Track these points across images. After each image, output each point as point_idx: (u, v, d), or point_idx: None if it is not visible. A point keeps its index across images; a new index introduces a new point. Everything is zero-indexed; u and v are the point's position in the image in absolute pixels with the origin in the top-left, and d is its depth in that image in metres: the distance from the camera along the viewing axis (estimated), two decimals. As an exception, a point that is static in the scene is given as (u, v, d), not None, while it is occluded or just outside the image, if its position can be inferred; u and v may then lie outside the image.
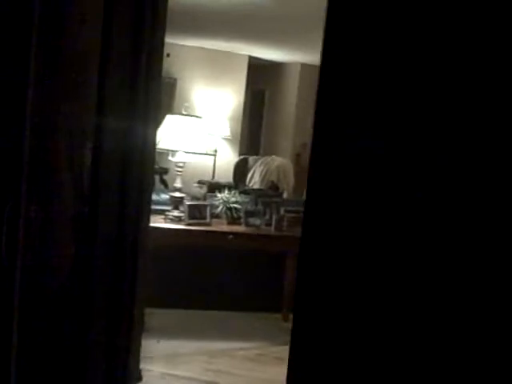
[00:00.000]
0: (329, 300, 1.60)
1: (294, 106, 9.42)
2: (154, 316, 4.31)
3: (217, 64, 8.89)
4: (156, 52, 2.98)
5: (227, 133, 9.02)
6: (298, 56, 8.84)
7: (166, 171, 7.42)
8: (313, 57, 8.59)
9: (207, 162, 8.36)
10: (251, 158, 8.78)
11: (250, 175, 8.41)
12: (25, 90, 2.01)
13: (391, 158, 1.57)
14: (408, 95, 1.57)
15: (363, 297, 1.60)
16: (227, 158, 9.06)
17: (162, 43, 3.25)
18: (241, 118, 9.33)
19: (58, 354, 2.17)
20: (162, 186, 7.51)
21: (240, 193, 5.58)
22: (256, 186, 7.83)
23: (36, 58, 2.02)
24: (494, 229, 1.52)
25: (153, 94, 2.77)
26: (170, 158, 4.57)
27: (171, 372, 3.69)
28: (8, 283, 2.09)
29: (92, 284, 2.25)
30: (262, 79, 10.19)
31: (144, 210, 2.66)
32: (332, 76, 1.64)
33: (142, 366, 3.58)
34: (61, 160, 2.34)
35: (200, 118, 4.69)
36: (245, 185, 8.08)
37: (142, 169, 2.48)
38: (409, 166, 1.57)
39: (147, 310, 4.18)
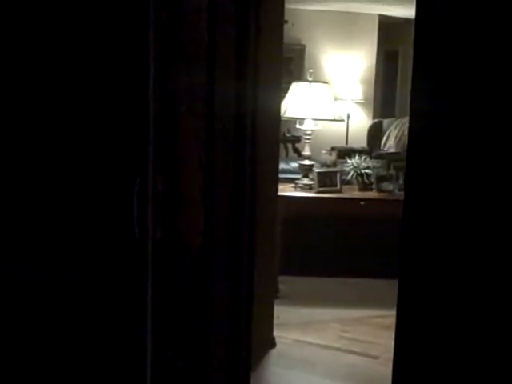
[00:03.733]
0: (433, 265, 1.51)
1: (429, 64, 8.97)
2: (288, 284, 4.35)
3: (346, 26, 8.67)
4: (274, 18, 2.94)
5: (359, 96, 8.81)
6: (431, 10, 8.38)
7: (298, 139, 7.41)
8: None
9: (340, 127, 8.22)
10: (386, 121, 8.52)
11: (384, 139, 8.18)
12: (147, 71, 2.05)
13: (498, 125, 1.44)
14: None
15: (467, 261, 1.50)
16: (361, 123, 8.87)
17: (281, 9, 3.21)
18: (373, 80, 9.06)
19: (185, 319, 2.24)
20: (295, 155, 7.52)
21: (374, 157, 5.44)
22: (391, 150, 7.60)
23: (154, 32, 2.05)
24: None
25: (271, 61, 2.74)
26: (297, 126, 4.54)
27: (305, 339, 3.71)
28: (141, 256, 2.18)
29: (214, 255, 2.28)
30: (394, 38, 9.80)
31: (262, 177, 2.65)
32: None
33: (275, 333, 3.65)
34: (184, 134, 2.40)
35: (326, 83, 4.59)
36: (379, 149, 7.87)
37: (253, 134, 2.45)
38: None
39: (280, 278, 4.24)
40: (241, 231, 2.36)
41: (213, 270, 2.23)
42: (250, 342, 2.54)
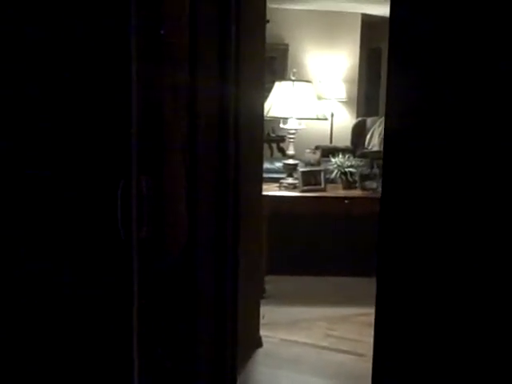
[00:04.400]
0: (411, 262, 1.53)
1: (412, 62, 9.02)
2: (274, 283, 4.36)
3: (328, 25, 8.70)
4: (257, 18, 2.95)
5: (343, 95, 8.85)
6: (413, 9, 8.41)
7: (282, 139, 7.41)
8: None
9: (324, 126, 8.25)
10: (369, 120, 8.56)
11: (368, 137, 8.21)
12: (128, 72, 2.05)
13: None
14: None
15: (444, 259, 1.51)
16: (344, 122, 8.90)
17: (263, 8, 3.22)
18: (357, 79, 9.10)
19: (171, 319, 2.24)
20: (280, 154, 7.52)
21: (357, 156, 5.47)
22: (375, 148, 7.63)
23: (136, 33, 2.04)
24: None
25: (253, 61, 2.75)
26: (281, 125, 4.54)
27: (291, 338, 3.72)
28: (126, 256, 2.18)
29: (198, 255, 2.28)
30: (376, 36, 9.84)
31: (245, 176, 2.65)
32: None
33: (262, 332, 3.66)
34: (169, 134, 2.39)
35: (310, 82, 4.60)
36: (364, 147, 7.90)
37: (237, 134, 2.45)
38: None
39: (266, 278, 4.25)
40: (225, 231, 2.36)
41: (197, 269, 2.23)
42: (236, 341, 2.54)
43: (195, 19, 2.01)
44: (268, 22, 3.20)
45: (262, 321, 3.68)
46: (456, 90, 1.48)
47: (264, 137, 7.35)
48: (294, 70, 4.68)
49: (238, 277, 2.49)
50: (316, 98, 4.53)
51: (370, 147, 7.90)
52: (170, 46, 2.11)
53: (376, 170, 4.44)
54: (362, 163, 4.64)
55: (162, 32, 2.13)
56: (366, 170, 4.48)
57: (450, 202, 1.52)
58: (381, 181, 4.34)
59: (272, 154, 8.09)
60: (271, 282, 4.32)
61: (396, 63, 1.52)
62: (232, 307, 2.44)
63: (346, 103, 9.02)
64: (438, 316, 1.57)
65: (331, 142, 8.62)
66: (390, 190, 1.55)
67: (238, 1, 2.29)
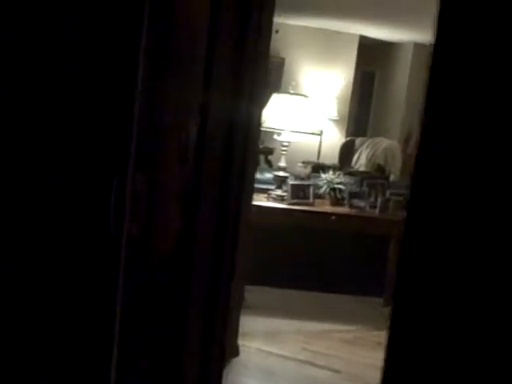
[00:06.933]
0: (432, 287, 1.52)
1: (405, 88, 9.13)
2: (254, 293, 4.35)
3: (325, 43, 8.77)
4: (264, 29, 2.97)
5: (334, 113, 8.91)
6: (411, 35, 8.52)
7: (270, 151, 7.44)
8: (428, 36, 8.22)
9: (313, 142, 8.30)
10: (358, 140, 8.62)
11: (356, 157, 8.27)
12: (135, 68, 2.05)
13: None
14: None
15: (469, 286, 1.51)
16: (333, 139, 8.96)
17: (270, 20, 3.24)
18: (349, 98, 9.17)
19: (158, 325, 2.22)
20: (267, 166, 7.54)
21: (345, 174, 5.51)
22: (362, 168, 7.69)
23: (146, 34, 2.05)
24: None
25: (259, 72, 2.76)
26: (275, 137, 4.56)
27: (268, 349, 3.72)
28: (116, 253, 2.16)
29: (193, 258, 2.27)
30: (372, 59, 9.94)
31: (247, 188, 2.65)
32: (446, 58, 1.54)
33: (239, 341, 3.65)
34: (167, 135, 2.39)
35: (307, 97, 4.63)
36: (350, 166, 7.96)
37: (245, 147, 2.46)
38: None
39: (247, 287, 4.24)
40: (224, 240, 2.36)
41: (192, 274, 2.21)
42: (224, 350, 2.52)
43: (214, 29, 2.00)
44: (277, 32, 3.21)
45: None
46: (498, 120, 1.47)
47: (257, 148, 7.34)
48: (293, 83, 4.73)
49: (230, 287, 2.48)
50: (312, 112, 4.56)
51: (357, 167, 7.95)
52: (180, 54, 2.10)
53: (365, 189, 4.48)
54: (351, 181, 4.67)
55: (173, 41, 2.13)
56: (356, 189, 4.51)
57: (478, 229, 1.50)
58: (369, 200, 4.37)
59: (259, 165, 8.10)
60: (251, 292, 4.31)
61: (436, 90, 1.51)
62: (223, 315, 2.42)
63: (337, 121, 9.08)
64: (459, 347, 1.54)
65: (318, 158, 8.66)
66: (416, 214, 1.53)
67: (258, 14, 2.30)
